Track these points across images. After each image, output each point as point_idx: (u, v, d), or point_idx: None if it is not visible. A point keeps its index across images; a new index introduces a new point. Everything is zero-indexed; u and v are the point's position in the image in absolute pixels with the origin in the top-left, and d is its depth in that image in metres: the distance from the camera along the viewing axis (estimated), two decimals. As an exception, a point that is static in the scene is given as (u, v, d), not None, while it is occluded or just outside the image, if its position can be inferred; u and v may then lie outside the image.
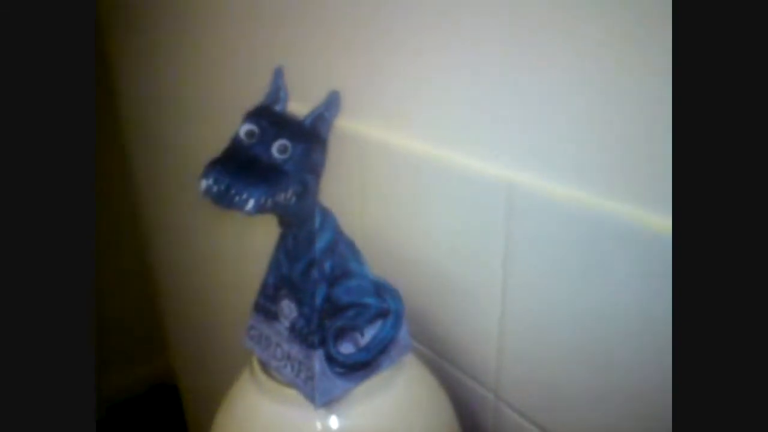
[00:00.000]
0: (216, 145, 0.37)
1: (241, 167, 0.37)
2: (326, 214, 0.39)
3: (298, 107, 0.39)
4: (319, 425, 0.38)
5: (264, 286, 0.41)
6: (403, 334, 0.41)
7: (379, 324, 0.40)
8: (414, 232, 0.50)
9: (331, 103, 0.37)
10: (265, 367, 0.41)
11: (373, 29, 0.50)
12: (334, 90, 0.37)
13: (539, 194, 0.39)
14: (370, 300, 0.40)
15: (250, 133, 0.37)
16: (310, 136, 0.37)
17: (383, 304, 0.40)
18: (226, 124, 0.39)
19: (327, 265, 0.38)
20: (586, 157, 0.36)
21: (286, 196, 0.36)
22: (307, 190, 0.37)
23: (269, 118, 0.37)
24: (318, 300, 0.37)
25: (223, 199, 0.35)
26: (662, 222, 0.32)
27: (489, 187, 0.42)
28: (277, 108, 0.37)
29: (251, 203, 0.34)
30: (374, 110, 0.52)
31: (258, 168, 0.36)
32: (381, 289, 0.41)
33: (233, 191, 0.35)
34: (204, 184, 0.36)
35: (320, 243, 0.38)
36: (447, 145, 0.45)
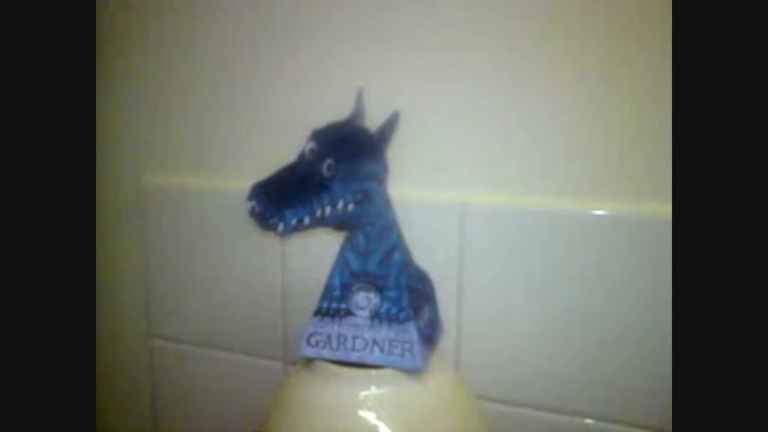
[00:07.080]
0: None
1: (288, 186, 0.42)
2: (393, 209, 0.46)
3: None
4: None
5: (329, 289, 0.45)
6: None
7: (427, 305, 0.48)
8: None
9: (392, 121, 0.46)
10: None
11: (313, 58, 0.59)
12: (395, 111, 0.46)
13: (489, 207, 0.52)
14: (418, 284, 0.48)
15: (312, 151, 0.44)
16: (361, 150, 0.44)
17: (427, 289, 0.48)
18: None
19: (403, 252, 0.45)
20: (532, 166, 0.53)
21: (336, 208, 0.42)
22: (369, 196, 0.44)
23: (328, 136, 0.44)
24: (404, 281, 0.44)
25: (262, 221, 0.40)
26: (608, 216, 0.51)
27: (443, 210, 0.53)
28: (357, 123, 0.45)
29: (281, 226, 0.40)
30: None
31: (306, 186, 0.42)
32: (422, 275, 0.49)
33: (268, 214, 0.41)
34: (249, 205, 0.41)
35: (396, 232, 0.45)
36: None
